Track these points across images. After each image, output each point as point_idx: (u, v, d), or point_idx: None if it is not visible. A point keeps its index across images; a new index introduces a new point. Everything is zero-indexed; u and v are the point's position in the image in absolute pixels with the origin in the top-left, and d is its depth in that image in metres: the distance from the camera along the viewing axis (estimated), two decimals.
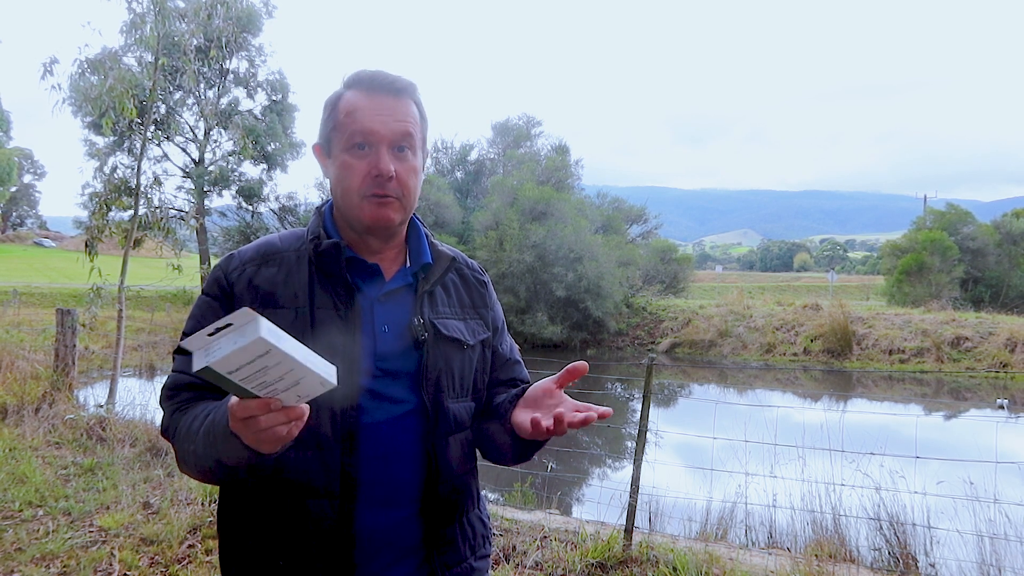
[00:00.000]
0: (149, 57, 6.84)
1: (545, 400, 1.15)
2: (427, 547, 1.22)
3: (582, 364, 1.11)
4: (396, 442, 1.18)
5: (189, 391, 1.16)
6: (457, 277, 1.35)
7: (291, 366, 0.88)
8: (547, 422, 1.06)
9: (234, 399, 0.92)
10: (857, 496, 4.21)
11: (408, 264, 1.28)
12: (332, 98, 1.24)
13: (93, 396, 8.07)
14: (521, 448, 1.25)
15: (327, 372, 0.92)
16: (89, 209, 7.13)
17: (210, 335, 0.85)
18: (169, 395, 1.18)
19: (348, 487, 1.15)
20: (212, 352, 0.84)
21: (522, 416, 1.15)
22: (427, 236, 1.31)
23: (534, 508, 4.57)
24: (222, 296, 1.20)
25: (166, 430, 1.17)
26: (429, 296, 1.26)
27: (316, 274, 1.20)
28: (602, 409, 1.06)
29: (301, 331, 1.14)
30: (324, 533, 1.15)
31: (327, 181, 1.27)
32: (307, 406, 0.94)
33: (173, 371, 1.20)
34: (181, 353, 1.17)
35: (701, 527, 4.31)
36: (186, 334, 1.19)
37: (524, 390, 1.23)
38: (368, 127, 1.17)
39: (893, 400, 13.47)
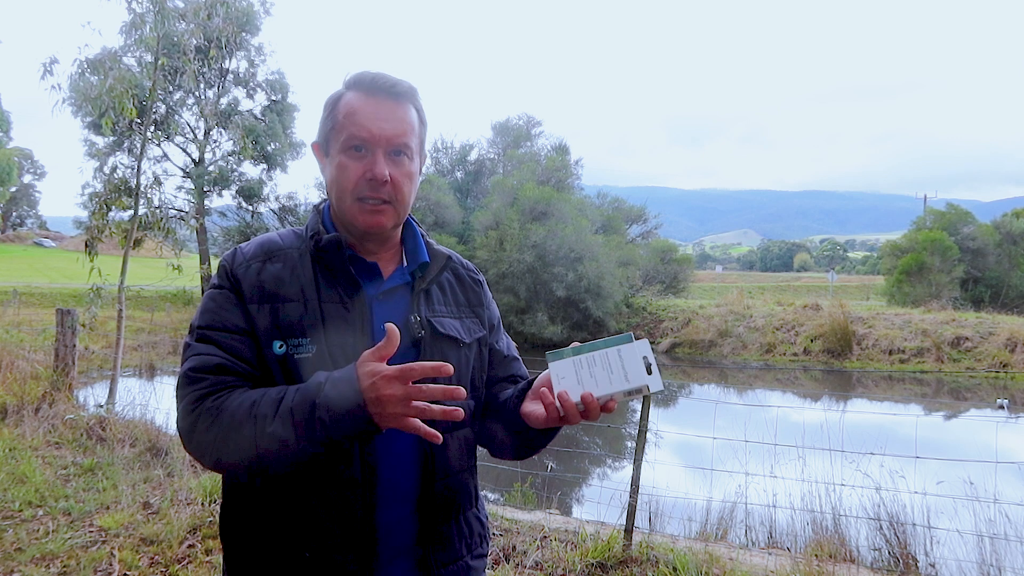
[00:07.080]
0: (149, 57, 6.84)
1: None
2: (423, 545, 1.22)
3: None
4: (393, 440, 1.18)
5: (217, 374, 1.13)
6: (453, 277, 1.36)
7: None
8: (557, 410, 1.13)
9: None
10: (857, 496, 4.20)
11: (405, 263, 1.29)
12: (333, 97, 1.24)
13: (93, 396, 8.05)
14: (530, 441, 1.27)
15: None
16: (89, 209, 7.13)
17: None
18: (194, 377, 1.13)
19: (369, 477, 1.16)
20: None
21: (532, 406, 1.18)
22: (423, 235, 1.32)
23: (534, 508, 4.57)
24: (232, 288, 1.19)
25: (189, 413, 1.11)
26: (425, 294, 1.28)
27: (320, 270, 1.21)
28: None
29: (312, 326, 1.16)
30: (348, 522, 1.15)
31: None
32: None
33: (195, 355, 1.15)
34: (204, 342, 1.15)
35: (701, 527, 4.30)
36: (202, 327, 1.17)
37: (530, 383, 1.25)
38: (366, 130, 1.18)
39: (893, 400, 13.46)
